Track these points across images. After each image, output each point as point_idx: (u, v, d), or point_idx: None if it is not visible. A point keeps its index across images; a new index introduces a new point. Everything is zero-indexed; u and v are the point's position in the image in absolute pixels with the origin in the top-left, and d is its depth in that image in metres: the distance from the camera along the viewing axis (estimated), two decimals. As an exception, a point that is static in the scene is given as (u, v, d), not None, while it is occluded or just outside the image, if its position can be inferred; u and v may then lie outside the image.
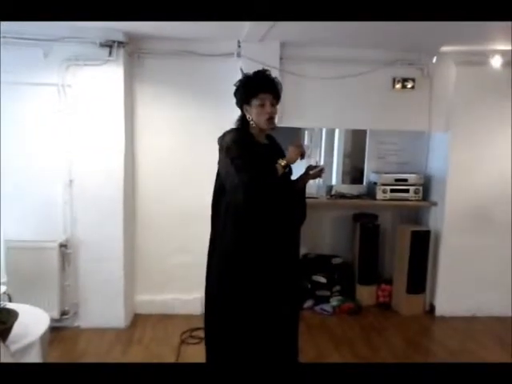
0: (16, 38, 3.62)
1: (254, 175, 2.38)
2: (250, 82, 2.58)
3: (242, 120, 2.61)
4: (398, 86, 4.29)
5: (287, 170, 2.53)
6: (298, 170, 2.81)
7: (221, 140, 2.56)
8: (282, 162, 2.47)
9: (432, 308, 4.62)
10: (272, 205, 2.47)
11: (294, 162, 2.54)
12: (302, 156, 2.55)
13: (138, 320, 4.21)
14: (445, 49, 4.12)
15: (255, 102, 2.52)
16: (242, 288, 2.50)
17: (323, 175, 2.87)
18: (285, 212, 2.57)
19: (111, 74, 3.85)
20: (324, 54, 4.14)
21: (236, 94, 2.62)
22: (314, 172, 2.71)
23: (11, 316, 2.14)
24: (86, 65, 3.80)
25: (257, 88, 2.53)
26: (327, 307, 4.55)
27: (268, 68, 2.67)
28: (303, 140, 5.12)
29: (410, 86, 4.29)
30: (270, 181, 2.45)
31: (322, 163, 5.02)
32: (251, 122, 2.56)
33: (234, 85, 2.62)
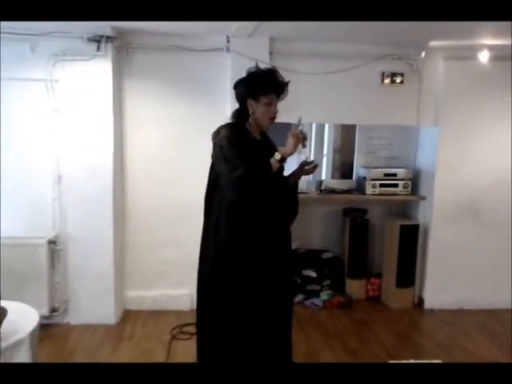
0: (2, 33, 3.57)
1: (248, 172, 2.35)
2: (263, 79, 2.51)
3: (241, 113, 2.57)
4: (387, 80, 4.30)
5: (284, 163, 2.45)
6: (290, 165, 2.82)
7: (215, 135, 2.51)
8: (278, 156, 2.41)
9: (421, 301, 4.67)
10: (267, 200, 2.45)
11: (293, 153, 2.45)
12: (303, 144, 2.47)
13: (128, 316, 4.21)
14: (433, 44, 4.14)
15: (264, 100, 2.49)
16: (234, 283, 2.50)
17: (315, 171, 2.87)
18: (277, 208, 2.57)
19: (99, 69, 3.82)
20: (313, 49, 4.14)
21: (242, 85, 2.55)
22: (308, 168, 2.70)
23: (0, 313, 2.13)
24: (73, 60, 3.77)
25: (270, 87, 2.49)
26: (317, 301, 4.57)
27: (261, 63, 2.64)
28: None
29: (398, 80, 4.30)
30: (265, 177, 2.40)
31: (312, 158, 5.04)
32: (251, 118, 2.53)
33: (247, 75, 2.54)
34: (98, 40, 3.74)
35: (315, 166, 2.72)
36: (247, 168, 2.35)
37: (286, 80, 2.55)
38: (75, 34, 3.72)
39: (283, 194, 2.61)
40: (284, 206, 2.62)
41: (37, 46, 3.71)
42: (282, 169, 2.65)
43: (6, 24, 3.53)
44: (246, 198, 2.42)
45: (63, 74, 3.78)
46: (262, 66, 2.58)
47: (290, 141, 2.44)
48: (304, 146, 2.50)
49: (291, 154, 2.45)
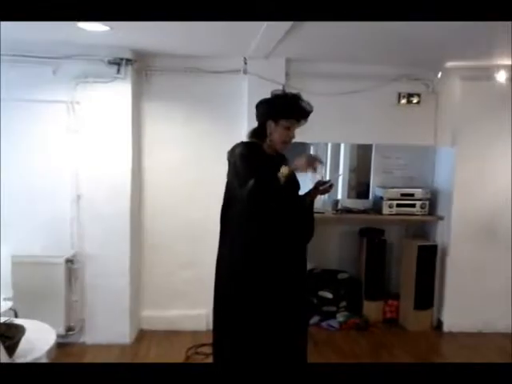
0: (25, 56, 3.68)
1: (257, 183, 2.33)
2: (287, 103, 2.55)
3: (258, 132, 2.60)
4: (404, 101, 4.31)
5: (288, 178, 2.38)
6: (306, 185, 2.82)
7: (230, 153, 2.56)
8: (285, 170, 2.35)
9: (440, 324, 4.58)
10: (281, 208, 2.45)
11: (298, 170, 2.44)
12: (314, 169, 2.45)
13: (143, 336, 4.20)
14: (450, 64, 4.14)
15: (284, 123, 2.52)
16: (250, 302, 2.50)
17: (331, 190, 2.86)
18: (293, 228, 2.56)
19: (119, 92, 3.90)
20: (329, 70, 4.17)
21: (264, 106, 2.59)
22: (323, 187, 2.70)
23: (18, 331, 2.15)
24: (94, 82, 3.85)
25: (292, 112, 2.53)
26: (333, 323, 4.52)
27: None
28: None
29: (415, 101, 4.31)
30: (274, 186, 2.36)
31: (327, 178, 5.03)
32: (269, 138, 2.56)
33: (272, 96, 2.58)
34: (118, 63, 3.82)
35: (331, 186, 2.71)
36: (256, 179, 2.33)
37: (311, 108, 2.56)
38: (96, 57, 3.80)
39: (298, 213, 2.61)
40: (299, 227, 2.62)
41: (59, 68, 3.80)
42: (296, 188, 2.65)
43: (28, 47, 3.64)
44: (261, 207, 2.42)
45: (84, 96, 3.86)
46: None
47: (300, 159, 2.43)
48: (314, 170, 2.49)
49: (296, 170, 2.43)
